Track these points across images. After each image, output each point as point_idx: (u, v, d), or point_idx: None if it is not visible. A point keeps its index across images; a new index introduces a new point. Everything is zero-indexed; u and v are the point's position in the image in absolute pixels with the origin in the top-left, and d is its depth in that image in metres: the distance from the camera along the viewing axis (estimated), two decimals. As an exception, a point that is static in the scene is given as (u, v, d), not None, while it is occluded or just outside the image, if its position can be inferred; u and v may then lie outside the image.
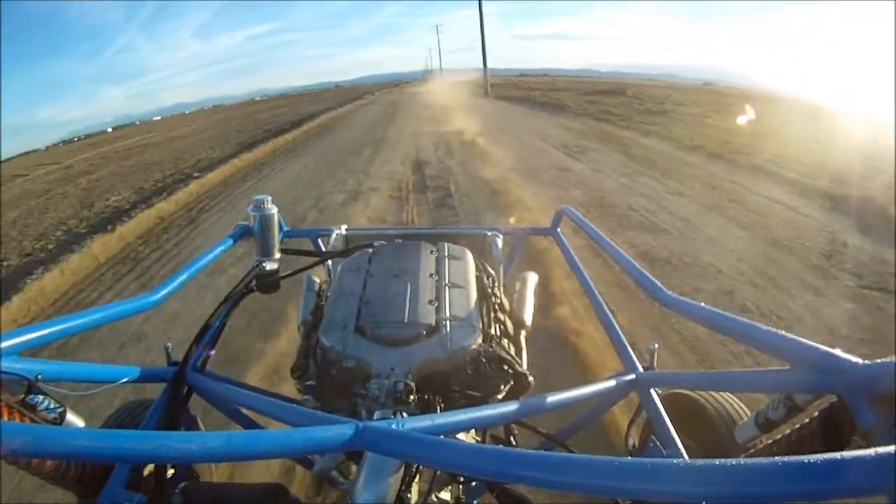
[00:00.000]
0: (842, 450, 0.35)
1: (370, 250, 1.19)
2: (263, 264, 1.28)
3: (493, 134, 10.24)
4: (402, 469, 0.66)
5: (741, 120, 8.97)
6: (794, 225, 4.62)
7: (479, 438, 0.90)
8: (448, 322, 0.95)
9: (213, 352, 1.04)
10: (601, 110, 13.97)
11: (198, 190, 8.03)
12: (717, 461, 0.37)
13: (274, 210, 1.29)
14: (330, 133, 14.02)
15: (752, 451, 0.77)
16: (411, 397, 0.80)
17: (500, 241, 1.39)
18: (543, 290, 2.61)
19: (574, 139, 9.84)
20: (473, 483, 0.95)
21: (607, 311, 1.15)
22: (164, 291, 1.05)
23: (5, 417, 0.67)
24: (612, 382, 0.93)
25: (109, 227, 6.14)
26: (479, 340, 0.93)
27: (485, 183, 6.38)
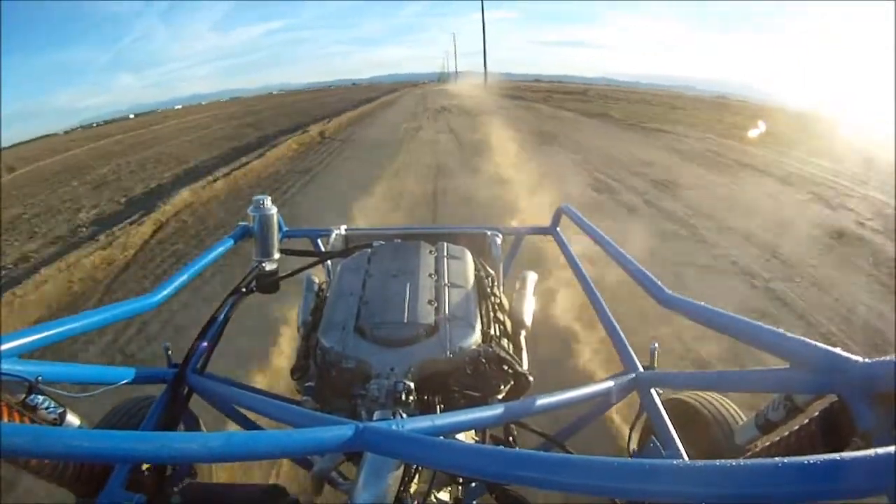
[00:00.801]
0: (842, 451, 0.35)
1: (369, 250, 1.18)
2: (263, 264, 1.27)
3: (473, 104, 19.27)
4: (402, 469, 0.66)
5: (752, 133, 10.05)
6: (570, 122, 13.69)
7: (478, 438, 0.90)
8: (447, 322, 0.94)
9: (203, 343, 1.03)
10: (546, 98, 21.52)
11: (368, 108, 19.13)
12: (716, 462, 0.37)
13: (273, 210, 1.29)
14: (394, 104, 23.22)
15: (752, 452, 0.77)
16: (411, 398, 0.80)
17: (499, 241, 1.39)
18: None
19: (511, 106, 18.11)
20: (473, 483, 0.94)
21: (608, 311, 1.14)
22: (164, 293, 1.05)
23: (6, 418, 0.67)
24: (612, 382, 0.92)
25: (328, 120, 13.72)
26: (479, 340, 0.93)
27: (461, 112, 16.04)
